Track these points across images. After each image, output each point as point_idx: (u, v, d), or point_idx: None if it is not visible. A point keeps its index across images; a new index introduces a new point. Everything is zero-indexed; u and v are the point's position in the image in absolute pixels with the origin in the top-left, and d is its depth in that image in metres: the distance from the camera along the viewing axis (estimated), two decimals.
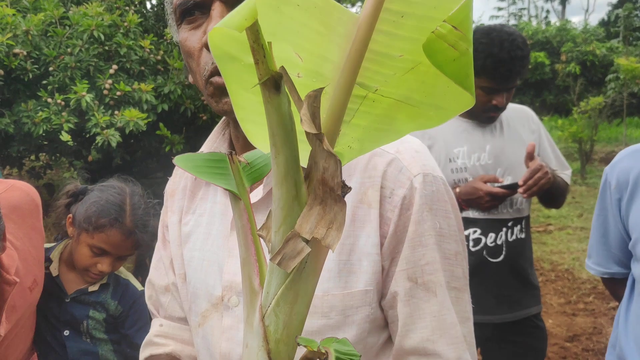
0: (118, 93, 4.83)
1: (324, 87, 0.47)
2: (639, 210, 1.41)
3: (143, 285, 1.86)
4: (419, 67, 0.50)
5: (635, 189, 1.41)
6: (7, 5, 5.08)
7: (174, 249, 1.11)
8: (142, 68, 5.30)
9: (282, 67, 0.44)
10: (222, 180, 0.57)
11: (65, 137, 4.69)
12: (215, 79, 0.85)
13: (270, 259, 0.48)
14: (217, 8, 0.83)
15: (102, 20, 4.92)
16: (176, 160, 0.56)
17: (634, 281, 1.50)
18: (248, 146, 0.96)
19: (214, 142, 1.05)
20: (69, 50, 4.86)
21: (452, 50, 0.45)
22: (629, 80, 11.88)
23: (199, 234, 1.05)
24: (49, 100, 4.76)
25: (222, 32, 0.47)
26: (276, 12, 0.45)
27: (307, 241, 0.47)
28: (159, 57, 5.40)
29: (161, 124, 5.16)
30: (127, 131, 4.69)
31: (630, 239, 1.46)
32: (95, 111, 4.69)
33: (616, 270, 1.63)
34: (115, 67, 5.00)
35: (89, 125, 4.68)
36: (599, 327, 4.35)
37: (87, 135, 4.76)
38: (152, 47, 5.33)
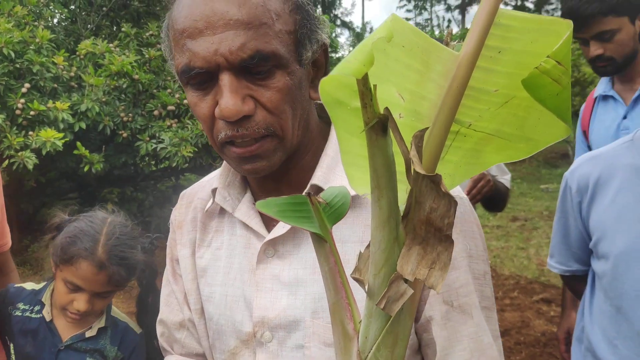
0: (32, 113, 4.59)
1: (427, 127, 0.47)
2: (599, 212, 1.54)
3: (142, 327, 1.75)
4: (512, 101, 0.51)
5: (595, 193, 1.55)
6: None
7: (187, 283, 1.06)
8: (56, 85, 5.07)
9: (387, 109, 0.44)
10: (307, 223, 0.55)
11: None
12: (232, 148, 0.84)
13: (377, 304, 0.47)
14: (225, 78, 0.79)
15: (12, 37, 4.66)
16: (259, 205, 0.54)
17: (594, 277, 1.63)
18: (266, 179, 0.94)
19: (227, 177, 1.00)
20: None
21: (556, 85, 0.46)
22: None
23: (218, 268, 1.00)
24: None
25: (335, 79, 0.46)
26: (383, 54, 0.46)
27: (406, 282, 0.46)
28: (72, 74, 5.19)
29: (78, 143, 4.95)
30: (43, 152, 4.46)
31: (590, 239, 1.60)
32: (8, 132, 4.44)
33: (577, 267, 1.75)
34: (27, 85, 4.75)
35: (2, 148, 4.41)
36: (527, 321, 4.61)
37: (4, 157, 4.47)
38: (66, 63, 5.12)
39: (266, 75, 0.81)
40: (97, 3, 6.38)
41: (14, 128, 4.54)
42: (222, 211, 1.02)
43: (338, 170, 0.92)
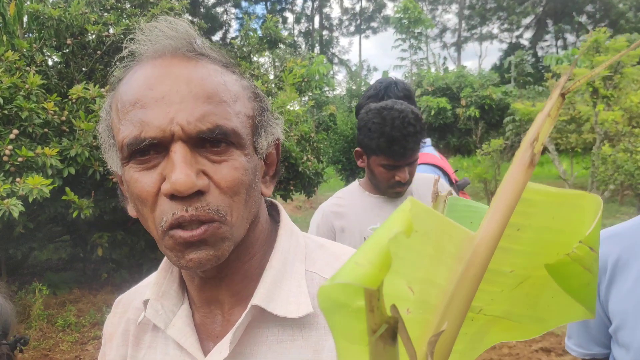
0: (19, 159, 4.53)
1: (442, 331, 0.41)
2: (619, 296, 1.43)
3: None
4: (527, 281, 0.46)
5: (614, 275, 1.43)
6: None
7: None
8: (46, 130, 5.03)
9: (395, 308, 0.38)
10: None
11: None
12: (177, 232, 0.73)
13: None
14: (178, 150, 0.72)
15: (1, 82, 4.64)
16: None
17: None
18: (205, 286, 0.85)
19: (162, 284, 0.89)
20: None
21: (587, 274, 0.42)
22: (525, 122, 12.74)
23: None
24: None
25: (340, 285, 0.39)
26: (397, 242, 0.39)
27: None
28: (63, 118, 5.16)
29: (67, 189, 4.88)
30: (30, 199, 4.38)
31: (610, 323, 1.49)
32: None
33: (597, 351, 1.64)
34: (16, 131, 4.70)
35: None
36: None
37: None
38: (57, 108, 5.09)
39: (222, 151, 0.75)
40: (91, 47, 6.39)
41: (1, 175, 4.47)
42: (156, 325, 0.90)
43: (284, 285, 0.83)
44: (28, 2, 6.64)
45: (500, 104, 19.25)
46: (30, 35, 6.73)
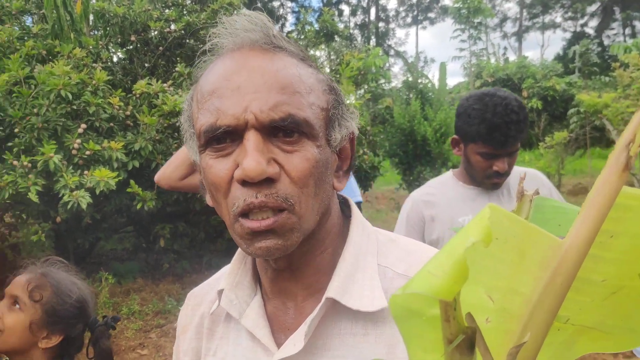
0: (87, 152, 4.71)
1: (524, 342, 0.39)
2: None
3: None
4: (620, 291, 0.44)
5: None
6: None
7: None
8: (111, 125, 5.20)
9: (472, 318, 0.37)
10: None
11: (33, 197, 4.53)
12: (247, 222, 0.75)
13: None
14: (251, 138, 0.74)
15: (69, 79, 4.83)
16: None
17: None
18: (277, 277, 0.87)
19: (236, 275, 0.91)
20: (35, 110, 4.74)
21: None
22: (590, 114, 12.24)
23: None
24: (15, 162, 4.60)
25: (412, 294, 0.39)
26: (474, 252, 0.38)
27: None
28: (128, 113, 5.32)
29: (132, 181, 5.04)
30: (97, 191, 4.55)
31: None
32: (64, 172, 4.56)
33: None
34: (83, 126, 4.89)
35: (58, 187, 4.53)
36: None
37: (60, 196, 4.60)
38: (121, 103, 5.26)
39: (295, 141, 0.77)
40: (154, 43, 6.57)
41: (70, 167, 4.66)
42: (228, 316, 0.93)
43: (357, 278, 0.83)
44: (94, 1, 6.89)
45: (564, 95, 18.55)
46: (96, 32, 6.97)
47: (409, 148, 8.33)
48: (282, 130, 0.76)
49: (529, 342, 0.39)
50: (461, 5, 16.46)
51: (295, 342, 0.81)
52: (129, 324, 5.47)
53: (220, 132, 0.76)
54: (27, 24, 7.00)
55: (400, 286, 0.80)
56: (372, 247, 0.87)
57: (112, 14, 6.26)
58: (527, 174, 2.32)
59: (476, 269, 0.38)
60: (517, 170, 2.22)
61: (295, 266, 0.84)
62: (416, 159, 8.34)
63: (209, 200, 0.86)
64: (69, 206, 4.46)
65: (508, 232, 0.39)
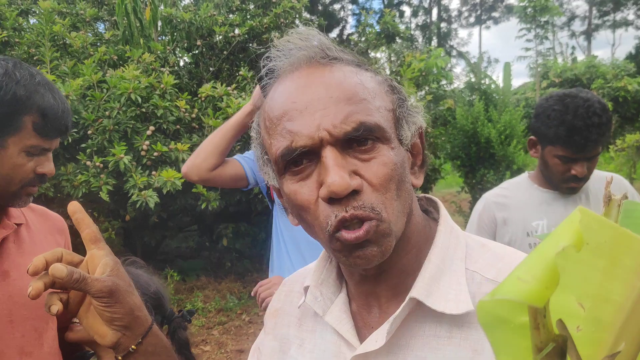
0: (155, 154, 4.89)
1: (618, 352, 0.38)
2: None
3: None
4: None
5: None
6: (47, 72, 5.23)
7: None
8: (178, 127, 5.36)
9: (563, 325, 0.36)
10: None
11: (104, 196, 4.73)
12: (342, 235, 0.76)
13: None
14: (329, 154, 0.75)
15: (139, 82, 5.01)
16: None
17: None
18: (363, 281, 0.88)
19: (321, 273, 0.93)
20: (107, 113, 4.96)
21: None
22: None
23: None
24: (88, 163, 4.82)
25: (501, 301, 0.38)
26: (564, 257, 0.37)
27: None
28: (193, 115, 5.47)
29: None
30: (164, 191, 4.71)
31: None
32: (133, 172, 4.74)
33: None
34: (152, 128, 5.07)
35: (127, 187, 4.72)
36: None
37: (129, 195, 4.78)
38: (188, 106, 5.41)
39: (370, 148, 0.78)
40: (218, 47, 6.73)
41: (139, 168, 4.85)
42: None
43: (443, 281, 0.82)
44: (162, 7, 7.13)
45: (636, 95, 17.68)
46: (164, 38, 7.22)
47: (471, 150, 8.15)
48: (356, 141, 0.77)
49: (623, 352, 0.37)
50: (527, 4, 15.97)
51: (377, 338, 0.82)
52: (193, 320, 5.61)
53: (297, 154, 0.77)
54: (100, 31, 7.33)
55: (488, 291, 0.78)
56: (460, 250, 0.86)
57: (179, 20, 6.46)
58: (603, 177, 2.22)
59: (567, 275, 0.37)
60: (597, 174, 2.12)
61: (382, 269, 0.85)
62: (479, 162, 8.15)
63: (292, 221, 0.88)
64: (137, 205, 4.63)
65: (599, 237, 0.38)
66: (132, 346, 0.93)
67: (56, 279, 0.84)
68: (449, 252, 0.85)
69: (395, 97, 0.84)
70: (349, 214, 0.75)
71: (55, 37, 5.90)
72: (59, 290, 0.91)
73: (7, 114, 1.33)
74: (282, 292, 1.06)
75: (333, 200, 0.75)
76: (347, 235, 0.76)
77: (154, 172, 4.83)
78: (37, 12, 7.10)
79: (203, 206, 5.32)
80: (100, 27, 7.63)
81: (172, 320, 1.82)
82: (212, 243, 7.68)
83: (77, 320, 1.61)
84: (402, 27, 9.22)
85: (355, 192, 0.75)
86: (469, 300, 0.80)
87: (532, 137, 2.12)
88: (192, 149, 5.14)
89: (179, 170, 4.86)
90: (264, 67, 0.87)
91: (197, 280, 6.86)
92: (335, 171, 0.74)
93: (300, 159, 0.78)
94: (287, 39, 0.85)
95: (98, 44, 6.31)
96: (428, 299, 0.80)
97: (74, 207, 0.94)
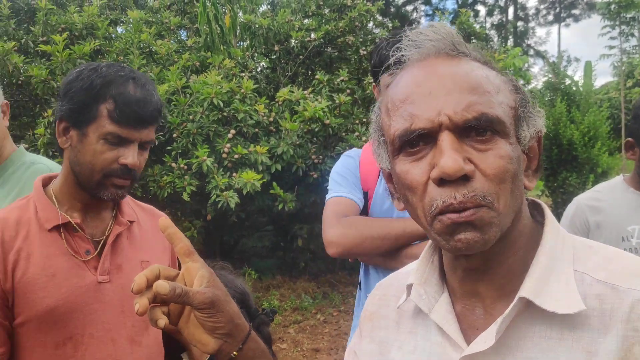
0: (236, 156, 5.06)
1: None
2: None
3: None
4: None
5: None
6: None
7: None
8: (256, 130, 5.53)
9: None
10: None
11: (185, 197, 4.95)
12: (449, 216, 0.76)
13: None
14: (446, 138, 0.77)
15: (221, 88, 5.21)
16: None
17: None
18: (467, 278, 0.87)
19: (424, 272, 0.93)
20: (190, 117, 5.18)
21: None
22: None
23: None
24: (173, 164, 5.06)
25: None
26: None
27: None
28: (271, 119, 5.62)
29: (274, 183, 5.33)
30: (244, 192, 4.87)
31: None
32: (215, 174, 4.93)
33: None
34: (233, 131, 5.25)
35: (209, 187, 4.93)
36: None
37: (211, 195, 4.98)
38: (266, 110, 5.57)
39: (488, 139, 0.78)
40: (295, 52, 6.88)
41: (220, 170, 5.04)
42: (416, 311, 0.94)
43: (551, 282, 0.81)
44: (241, 14, 7.36)
45: None
46: (242, 44, 7.45)
47: (552, 153, 7.89)
48: (474, 130, 0.78)
49: None
50: (611, 0, 15.24)
51: (486, 339, 0.81)
52: None
53: (415, 136, 0.79)
54: (182, 38, 7.66)
55: (599, 293, 0.79)
56: (567, 252, 0.85)
57: (257, 26, 6.65)
58: None
59: None
60: None
61: (487, 266, 0.84)
62: (561, 165, 7.88)
63: (398, 205, 0.90)
64: (219, 205, 4.82)
65: None
66: (234, 352, 0.96)
67: (160, 295, 0.87)
68: (556, 253, 0.84)
69: (519, 97, 0.85)
70: (457, 201, 0.75)
71: (142, 45, 6.22)
72: (159, 305, 0.93)
73: (86, 102, 1.41)
74: (376, 295, 1.07)
75: (443, 182, 0.76)
76: (450, 215, 0.76)
77: (234, 174, 5.00)
78: (125, 22, 7.52)
79: (280, 207, 5.45)
80: (182, 34, 7.97)
81: (256, 317, 1.90)
82: (287, 243, 7.83)
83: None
84: (476, 26, 9.06)
85: (466, 179, 0.76)
86: (580, 301, 0.78)
87: (629, 139, 2.05)
88: (269, 152, 5.29)
89: (257, 172, 5.03)
90: (392, 56, 0.89)
91: (272, 279, 7.02)
92: (450, 154, 0.75)
93: (417, 141, 0.80)
94: (419, 31, 0.87)
95: (181, 51, 6.60)
96: (538, 298, 0.79)
97: (165, 223, 0.97)
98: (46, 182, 1.57)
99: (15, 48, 5.48)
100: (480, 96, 0.78)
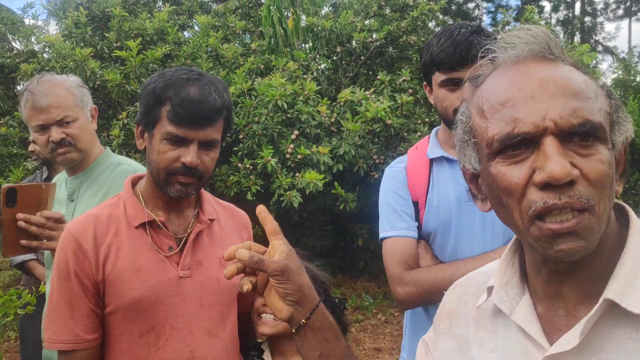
0: (299, 156, 5.16)
1: None
2: None
3: None
4: None
5: None
6: None
7: None
8: (318, 131, 5.61)
9: None
10: None
11: (249, 196, 5.09)
12: (547, 224, 0.77)
13: None
14: (551, 143, 0.77)
15: (285, 90, 5.33)
16: None
17: None
18: (552, 280, 0.88)
19: (504, 274, 0.95)
20: (256, 119, 5.32)
21: None
22: None
23: None
24: (239, 165, 5.22)
25: None
26: None
27: None
28: (332, 120, 5.69)
29: (336, 183, 5.39)
30: (307, 192, 4.97)
31: None
32: (279, 174, 5.05)
33: None
34: (296, 132, 5.36)
35: (273, 187, 5.05)
36: None
37: (274, 195, 5.10)
38: (328, 111, 5.64)
39: (590, 145, 0.79)
40: (357, 53, 6.93)
41: (284, 170, 5.15)
42: (496, 310, 0.96)
43: (637, 284, 0.81)
44: (303, 16, 7.48)
45: None
46: (304, 45, 7.56)
47: (635, 153, 7.60)
48: (578, 135, 0.78)
49: None
50: None
51: (570, 339, 0.81)
52: None
53: (518, 140, 0.80)
54: (246, 41, 7.85)
55: None
56: None
57: (320, 28, 6.74)
58: None
59: None
60: None
61: (575, 269, 0.85)
62: (633, 165, 7.57)
63: (482, 207, 0.92)
64: (282, 204, 4.93)
65: None
66: (303, 320, 1.06)
67: (240, 261, 1.03)
68: None
69: (612, 102, 0.85)
70: (562, 202, 0.76)
71: (209, 49, 6.43)
72: (248, 275, 1.10)
73: (152, 105, 1.51)
74: (454, 294, 1.09)
75: (547, 186, 0.77)
76: (551, 225, 0.77)
77: (297, 174, 5.11)
78: (192, 27, 7.78)
79: (341, 207, 5.51)
80: (246, 37, 8.16)
81: (334, 306, 1.96)
82: (347, 243, 7.89)
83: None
84: (542, 23, 8.84)
85: (571, 183, 0.76)
86: None
87: None
88: (331, 152, 5.36)
89: (320, 172, 5.11)
90: (482, 57, 0.90)
91: (333, 277, 7.10)
92: (557, 159, 0.76)
93: (518, 144, 0.80)
94: (513, 33, 0.87)
95: (246, 54, 6.77)
96: (624, 300, 0.79)
97: (260, 209, 1.16)
98: (135, 181, 1.69)
99: (92, 54, 5.78)
100: (582, 102, 0.79)
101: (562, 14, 46.49)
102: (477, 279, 1.06)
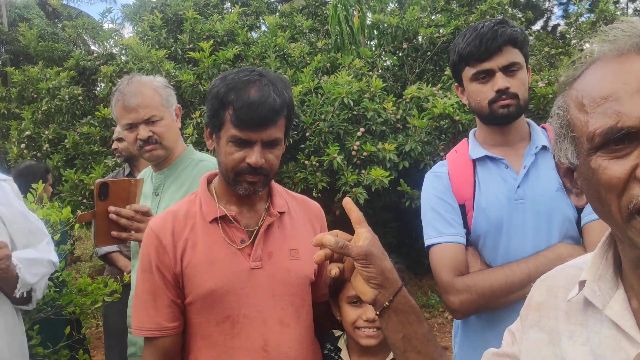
0: (364, 153, 5.20)
1: None
2: None
3: None
4: None
5: None
6: None
7: None
8: (384, 128, 5.63)
9: None
10: None
11: (315, 193, 5.17)
12: None
13: None
14: None
15: (351, 87, 5.37)
16: None
17: None
18: None
19: (598, 269, 0.94)
20: (322, 116, 5.40)
21: None
22: None
23: None
24: (306, 162, 5.32)
25: None
26: None
27: None
28: (398, 117, 5.69)
29: (402, 180, 5.39)
30: (372, 189, 5.00)
31: None
32: (345, 171, 5.11)
33: None
34: (362, 129, 5.40)
35: (339, 184, 5.12)
36: None
37: (340, 192, 5.16)
38: (394, 107, 5.65)
39: None
40: (423, 49, 6.88)
41: (350, 167, 5.20)
42: (586, 303, 0.96)
43: None
44: (369, 14, 7.50)
45: None
46: (369, 43, 7.58)
47: None
48: None
49: None
50: None
51: None
52: None
53: (621, 134, 0.79)
54: (312, 40, 7.95)
55: None
56: None
57: (386, 25, 6.75)
58: None
59: None
60: None
61: None
62: None
63: (577, 201, 0.92)
64: None
65: None
66: (386, 302, 1.13)
67: (326, 245, 1.12)
68: None
69: None
70: None
71: (277, 49, 6.57)
72: (336, 262, 1.19)
73: (216, 109, 1.58)
74: (543, 287, 1.08)
75: None
76: None
77: (363, 171, 5.15)
78: (259, 27, 7.95)
79: (407, 204, 5.51)
80: (313, 36, 8.25)
81: None
82: (411, 240, 7.84)
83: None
84: (618, 14, 8.47)
85: None
86: None
87: None
88: (397, 149, 5.36)
89: (385, 169, 5.13)
90: (580, 50, 0.89)
91: None
92: None
93: (621, 139, 0.79)
94: (613, 26, 0.86)
95: (313, 52, 6.86)
96: None
97: (346, 201, 1.25)
98: (210, 179, 1.79)
99: (166, 55, 6.03)
100: None
101: (639, 4, 44.10)
102: (567, 272, 1.06)
